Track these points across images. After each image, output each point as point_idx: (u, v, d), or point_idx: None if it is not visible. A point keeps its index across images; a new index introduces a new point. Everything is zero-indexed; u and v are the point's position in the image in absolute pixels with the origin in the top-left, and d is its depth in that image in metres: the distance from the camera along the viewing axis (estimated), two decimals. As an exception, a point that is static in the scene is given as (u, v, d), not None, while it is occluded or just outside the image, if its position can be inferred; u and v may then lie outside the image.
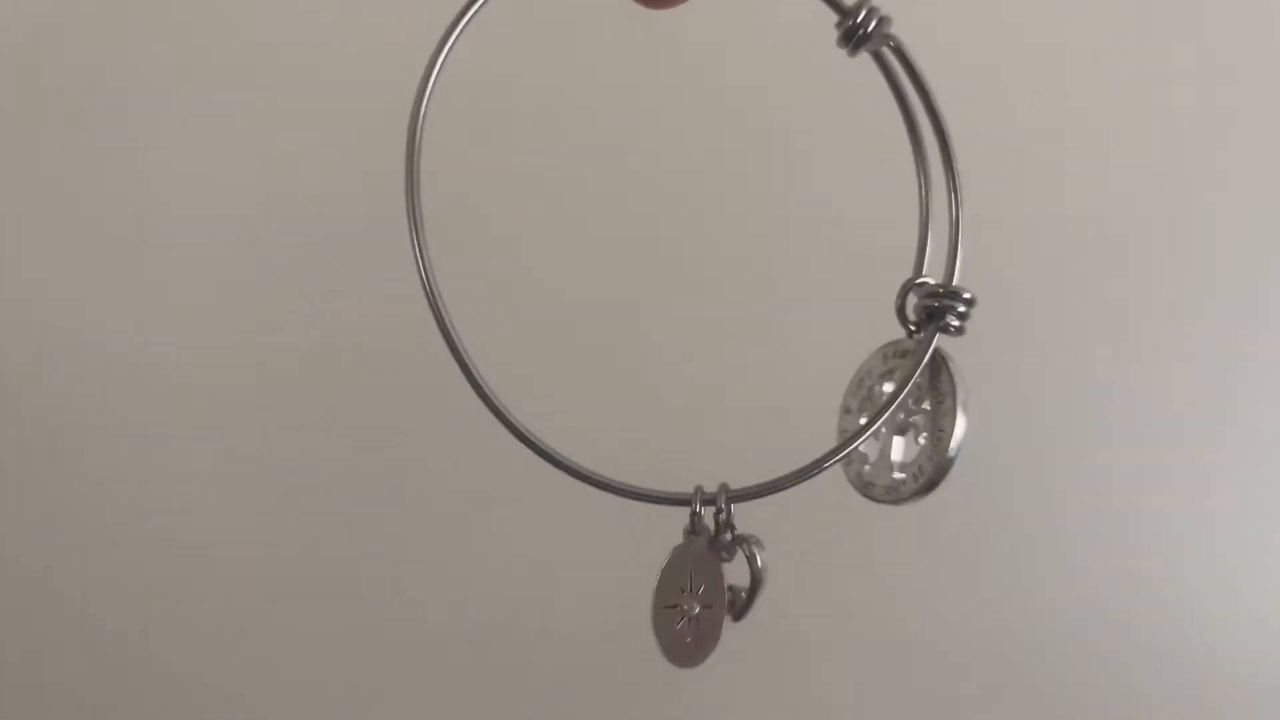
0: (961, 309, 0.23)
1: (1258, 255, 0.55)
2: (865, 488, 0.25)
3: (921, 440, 0.23)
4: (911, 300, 0.24)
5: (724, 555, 0.23)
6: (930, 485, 0.23)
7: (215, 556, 0.59)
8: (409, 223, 0.24)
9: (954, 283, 0.23)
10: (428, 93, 0.24)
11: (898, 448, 0.24)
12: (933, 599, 0.56)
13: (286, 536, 0.59)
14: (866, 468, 0.25)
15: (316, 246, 0.59)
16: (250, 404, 0.59)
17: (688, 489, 0.24)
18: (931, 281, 0.24)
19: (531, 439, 0.23)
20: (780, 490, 0.23)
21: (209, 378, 0.59)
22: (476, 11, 0.24)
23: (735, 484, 0.24)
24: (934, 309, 0.23)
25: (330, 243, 0.58)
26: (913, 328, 0.24)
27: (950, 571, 0.56)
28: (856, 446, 0.24)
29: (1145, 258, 0.56)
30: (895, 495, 0.24)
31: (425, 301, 0.24)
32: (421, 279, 0.23)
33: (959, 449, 0.23)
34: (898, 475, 0.24)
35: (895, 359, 0.25)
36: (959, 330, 0.23)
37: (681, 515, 0.24)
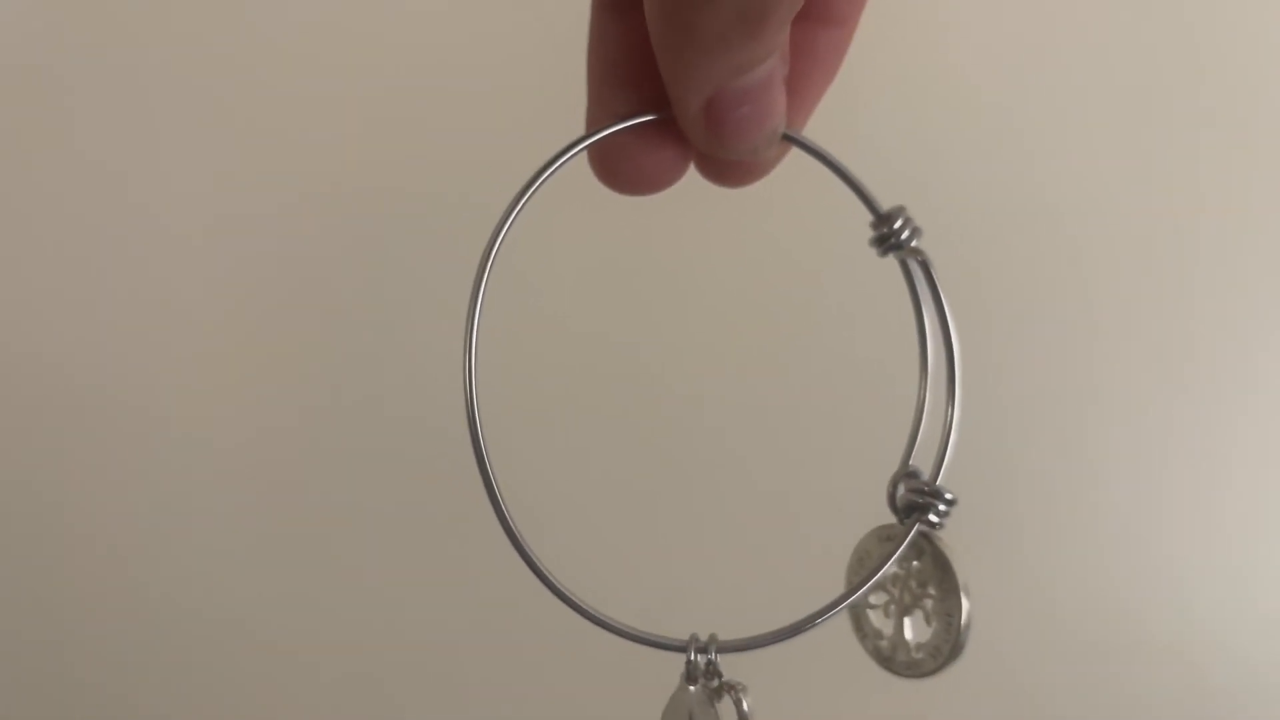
0: (942, 508, 0.24)
1: (1267, 259, 0.57)
2: (885, 661, 0.27)
3: (933, 622, 0.25)
4: (901, 489, 0.25)
5: (716, 697, 0.25)
6: (948, 664, 0.25)
7: (208, 558, 0.60)
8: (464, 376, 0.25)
9: (938, 483, 0.24)
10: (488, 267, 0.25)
11: (910, 628, 0.26)
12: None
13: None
14: (882, 643, 0.26)
15: (310, 250, 0.60)
16: (244, 407, 0.60)
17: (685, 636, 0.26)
18: (923, 475, 0.25)
19: (556, 584, 0.25)
20: (765, 645, 0.25)
21: (203, 381, 0.60)
22: (523, 207, 0.26)
23: (730, 635, 0.26)
24: (917, 504, 0.25)
25: (324, 246, 0.59)
26: (903, 513, 0.26)
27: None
28: (836, 615, 0.26)
29: (1158, 261, 0.58)
30: (917, 671, 0.26)
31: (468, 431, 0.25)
32: (469, 421, 0.25)
33: (968, 630, 0.24)
34: (916, 655, 0.25)
35: (888, 542, 0.26)
36: (938, 525, 0.24)
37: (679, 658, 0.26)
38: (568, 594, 0.25)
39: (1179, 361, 0.57)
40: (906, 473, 0.26)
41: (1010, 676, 0.58)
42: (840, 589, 0.27)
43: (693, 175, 0.27)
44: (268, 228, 0.59)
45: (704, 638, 0.26)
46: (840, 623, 0.26)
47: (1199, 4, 0.58)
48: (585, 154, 0.26)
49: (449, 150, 0.58)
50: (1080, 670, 0.58)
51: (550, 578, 0.25)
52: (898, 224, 0.26)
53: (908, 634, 0.26)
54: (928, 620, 0.26)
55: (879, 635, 0.27)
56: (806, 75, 0.26)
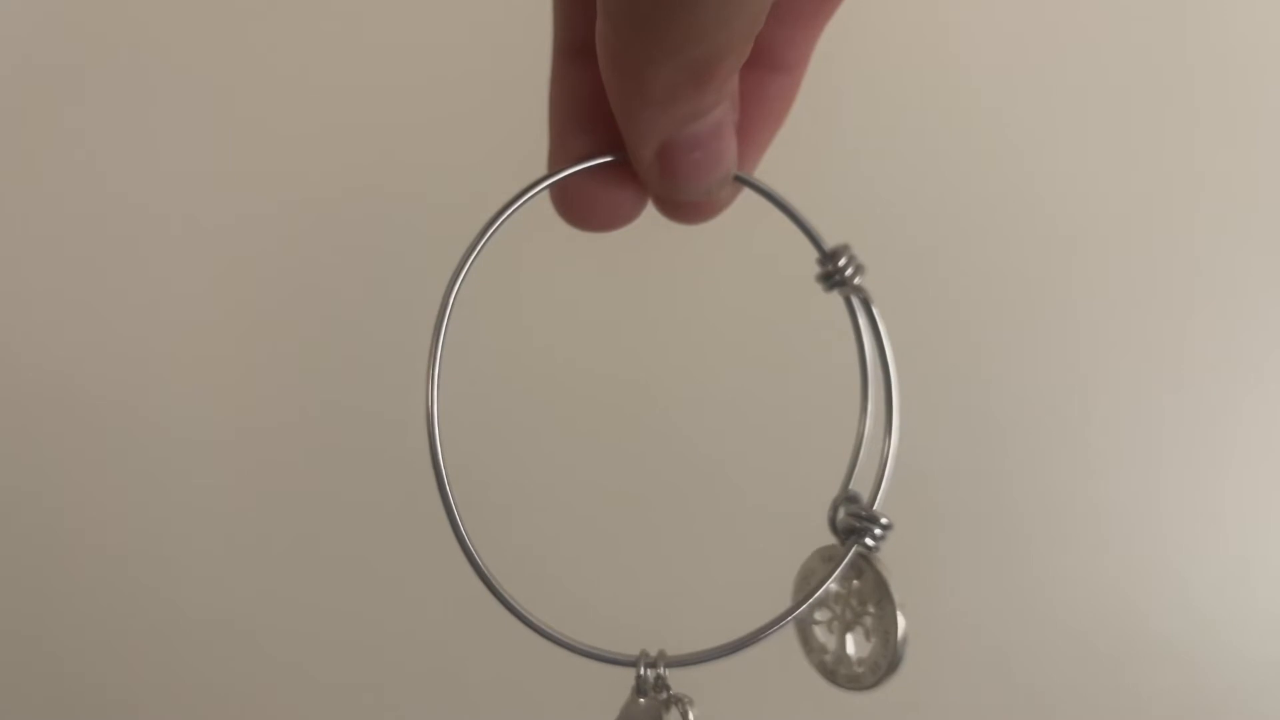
0: (879, 531, 0.26)
1: (1264, 255, 0.58)
2: (829, 675, 0.28)
3: (872, 638, 0.26)
4: (841, 513, 0.27)
5: (664, 709, 0.27)
6: (886, 678, 0.26)
7: (206, 562, 0.61)
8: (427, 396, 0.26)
9: (875, 508, 0.26)
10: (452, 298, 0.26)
11: (851, 644, 0.27)
12: (947, 597, 0.60)
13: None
14: (827, 657, 0.28)
15: (309, 254, 0.61)
16: (241, 409, 0.61)
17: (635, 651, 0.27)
18: (863, 499, 0.26)
19: (513, 603, 0.26)
20: (712, 660, 0.27)
21: (200, 383, 0.61)
22: (480, 249, 0.27)
23: (678, 650, 0.27)
24: (855, 527, 0.26)
25: (323, 250, 0.60)
26: (843, 535, 0.27)
27: (964, 570, 0.59)
28: (785, 634, 0.27)
29: (1155, 258, 0.59)
30: (857, 685, 0.27)
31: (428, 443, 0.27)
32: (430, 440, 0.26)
33: (904, 645, 0.26)
34: (858, 669, 0.27)
35: (829, 563, 0.28)
36: (875, 548, 0.26)
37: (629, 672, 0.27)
38: (523, 611, 0.26)
39: (1178, 358, 0.59)
40: (847, 497, 0.27)
41: (1011, 676, 0.59)
42: (785, 606, 0.29)
43: (650, 212, 0.28)
44: (267, 231, 0.61)
45: (654, 652, 0.27)
46: (785, 638, 0.28)
47: (1188, 4, 0.59)
48: (547, 192, 0.27)
49: (448, 153, 0.59)
50: (1080, 669, 0.59)
51: (505, 595, 0.26)
52: (841, 262, 0.27)
53: (850, 649, 0.28)
54: (867, 636, 0.27)
55: (824, 650, 0.28)
56: (757, 119, 0.28)
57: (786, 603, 0.29)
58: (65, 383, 0.61)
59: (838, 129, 0.57)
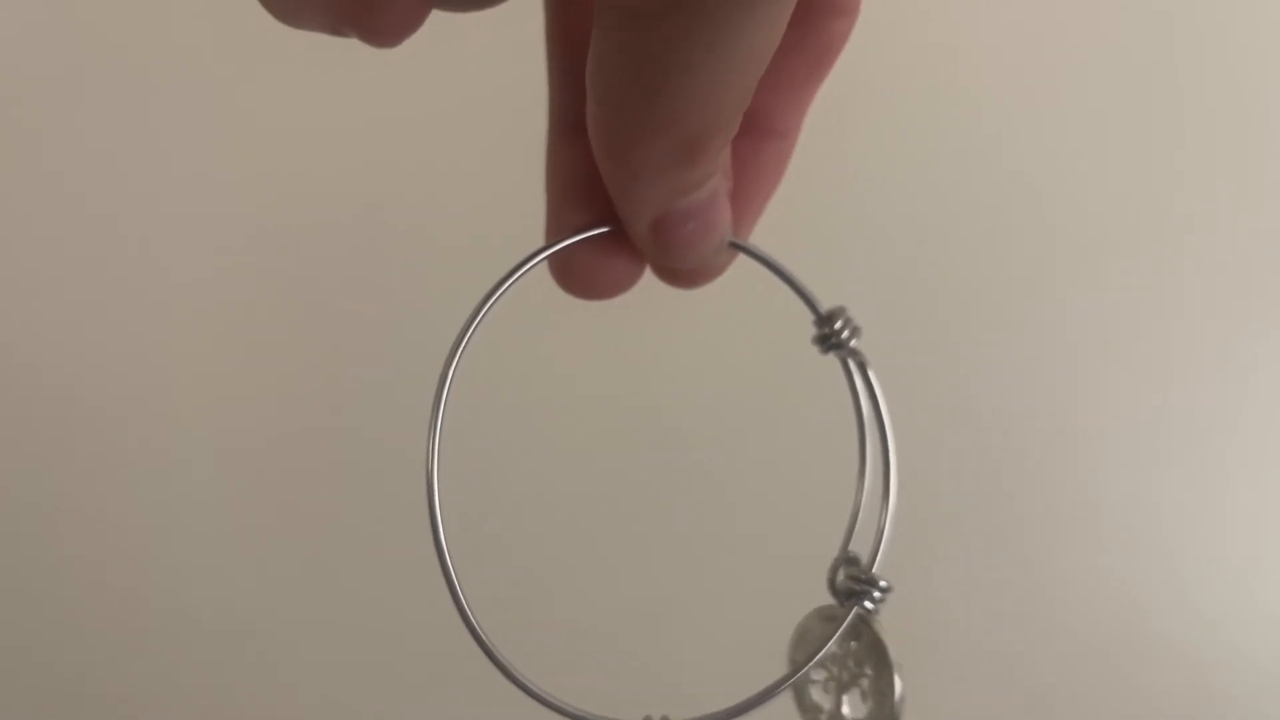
0: (878, 594, 0.26)
1: (1264, 254, 0.58)
2: (824, 735, 0.28)
3: (869, 700, 0.27)
4: (841, 574, 0.27)
5: None
6: (883, 739, 0.27)
7: (203, 571, 0.62)
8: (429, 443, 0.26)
9: (873, 571, 0.26)
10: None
11: (848, 705, 0.27)
12: (947, 597, 0.60)
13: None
14: (821, 717, 0.28)
15: (308, 256, 0.61)
16: (240, 413, 0.62)
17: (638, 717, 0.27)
18: (862, 561, 0.27)
19: (510, 669, 0.26)
20: None
21: (203, 395, 0.61)
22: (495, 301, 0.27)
23: (679, 713, 0.27)
24: (854, 590, 0.26)
25: (320, 251, 0.60)
26: (842, 597, 0.27)
27: (965, 571, 0.59)
28: (783, 694, 0.27)
29: (1161, 263, 0.59)
30: (853, 744, 0.27)
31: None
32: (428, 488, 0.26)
33: (901, 707, 0.26)
34: (853, 731, 0.27)
35: (828, 622, 0.28)
36: (874, 611, 0.26)
37: None
38: (522, 679, 0.26)
39: (1178, 359, 0.59)
40: (846, 559, 0.28)
41: (1011, 676, 0.59)
42: (783, 667, 0.29)
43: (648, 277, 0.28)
44: (270, 250, 0.61)
45: (657, 718, 0.27)
46: (786, 699, 0.28)
47: (1183, 9, 0.59)
48: (545, 263, 0.27)
49: (449, 167, 0.59)
50: (1080, 669, 0.59)
51: (506, 663, 0.26)
52: (837, 324, 0.27)
53: (845, 710, 0.28)
54: (864, 697, 0.28)
55: (818, 709, 0.29)
56: (751, 186, 0.28)
57: (781, 660, 0.30)
58: (66, 395, 0.61)
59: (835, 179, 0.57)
